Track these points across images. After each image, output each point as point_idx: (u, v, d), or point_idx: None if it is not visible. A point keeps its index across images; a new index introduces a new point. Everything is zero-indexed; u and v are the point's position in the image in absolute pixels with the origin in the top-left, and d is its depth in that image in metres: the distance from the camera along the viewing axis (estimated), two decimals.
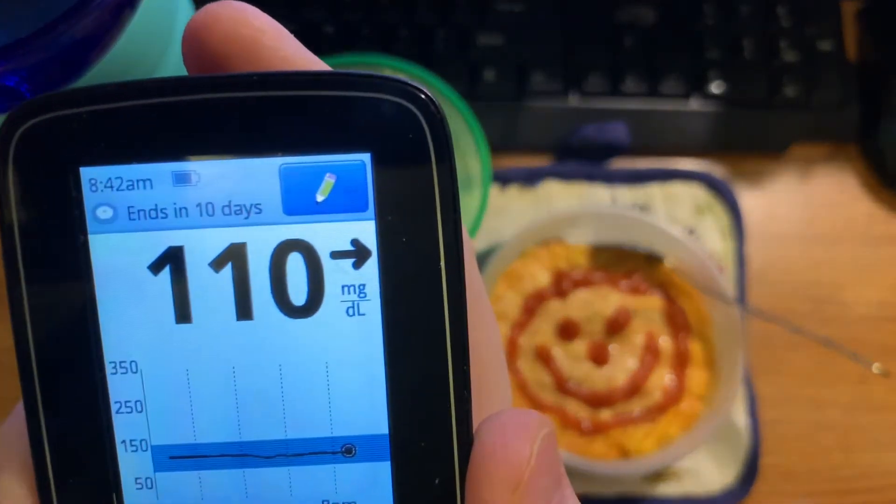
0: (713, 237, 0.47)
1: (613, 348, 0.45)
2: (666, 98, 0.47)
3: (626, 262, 0.45)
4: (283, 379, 0.18)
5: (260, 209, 0.18)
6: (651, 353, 0.45)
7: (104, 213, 0.18)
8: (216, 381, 0.18)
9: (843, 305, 0.46)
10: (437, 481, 0.18)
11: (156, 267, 0.18)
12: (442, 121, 0.18)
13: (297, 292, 0.18)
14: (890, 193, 0.47)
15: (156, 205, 0.18)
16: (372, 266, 0.18)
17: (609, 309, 0.45)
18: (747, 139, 0.48)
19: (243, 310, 0.18)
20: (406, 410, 0.18)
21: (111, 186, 0.18)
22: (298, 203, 0.18)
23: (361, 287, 0.18)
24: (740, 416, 0.45)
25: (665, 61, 0.48)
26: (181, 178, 0.18)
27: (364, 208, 0.18)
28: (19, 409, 0.18)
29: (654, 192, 0.47)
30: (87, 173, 0.18)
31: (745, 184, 0.48)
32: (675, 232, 0.44)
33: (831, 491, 0.43)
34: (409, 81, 0.18)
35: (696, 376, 0.45)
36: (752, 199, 0.47)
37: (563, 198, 0.47)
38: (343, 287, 0.18)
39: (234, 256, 0.18)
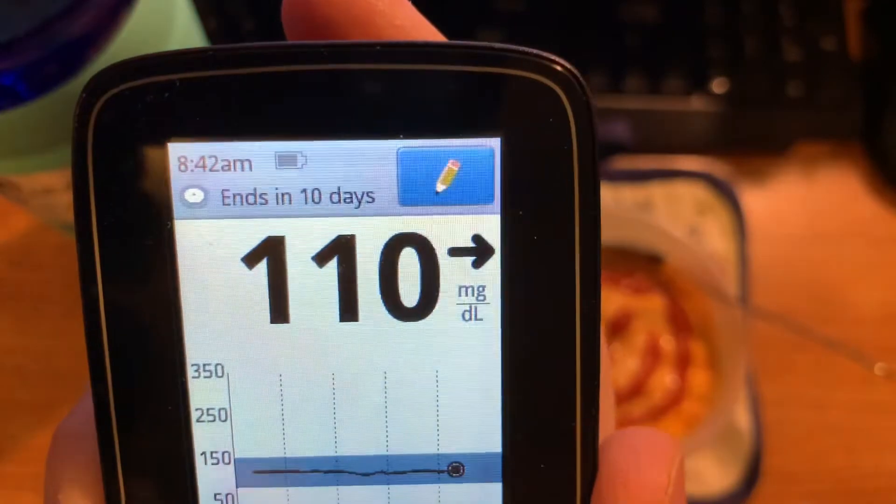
0: (715, 237, 0.47)
1: (614, 349, 0.44)
2: (668, 96, 0.47)
3: (627, 262, 0.45)
4: (388, 388, 0.16)
5: (372, 198, 0.16)
6: (652, 353, 0.44)
7: (194, 196, 0.16)
8: (312, 388, 0.16)
9: (846, 305, 0.46)
10: None
11: (251, 259, 0.16)
12: (588, 103, 0.15)
13: (409, 292, 0.16)
14: (894, 192, 0.47)
15: (255, 189, 0.16)
16: (494, 265, 0.16)
17: (610, 309, 0.44)
18: (750, 138, 0.48)
19: (348, 310, 0.16)
20: (523, 427, 0.16)
21: (203, 166, 0.15)
22: (416, 192, 0.16)
23: (481, 289, 0.16)
24: (743, 418, 0.44)
25: (667, 59, 0.47)
26: (285, 160, 0.15)
27: (489, 200, 0.16)
28: (80, 410, 0.16)
29: (656, 192, 0.47)
30: (175, 150, 0.15)
31: (747, 183, 0.47)
32: (677, 232, 0.44)
33: (835, 492, 0.43)
34: (550, 55, 0.15)
35: (698, 377, 0.44)
36: (754, 199, 0.47)
37: None
38: (460, 288, 0.16)
39: (341, 250, 0.16)
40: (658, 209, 0.47)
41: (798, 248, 0.47)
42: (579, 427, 0.16)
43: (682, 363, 0.44)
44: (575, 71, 0.15)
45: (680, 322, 0.45)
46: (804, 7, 0.48)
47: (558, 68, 0.15)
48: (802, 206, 0.47)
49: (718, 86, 0.47)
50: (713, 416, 0.43)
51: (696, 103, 0.47)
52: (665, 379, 0.44)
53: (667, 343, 0.45)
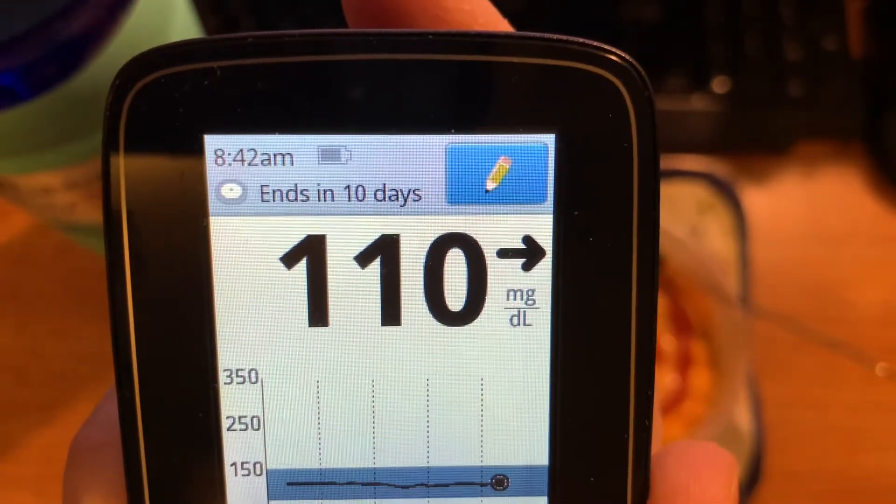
0: (716, 236, 0.46)
1: None
2: (668, 96, 0.47)
3: None
4: (431, 396, 0.15)
5: (419, 196, 0.15)
6: None
7: (231, 191, 0.15)
8: (351, 395, 0.15)
9: (847, 305, 0.45)
10: None
11: (290, 259, 0.15)
12: (649, 97, 0.14)
13: (455, 295, 0.15)
14: (895, 191, 0.47)
15: (295, 185, 0.15)
16: (545, 268, 0.15)
17: None
18: (750, 137, 0.48)
19: (390, 313, 0.15)
20: (572, 439, 0.15)
21: (242, 160, 0.15)
22: (465, 190, 0.15)
23: (530, 293, 0.15)
24: (744, 418, 0.44)
25: (667, 59, 0.47)
26: (328, 155, 0.15)
27: (541, 199, 0.15)
28: (97, 420, 0.16)
29: None
30: (212, 142, 0.15)
31: (748, 182, 0.47)
32: (678, 232, 0.44)
33: (836, 492, 0.43)
34: (609, 46, 0.15)
35: (699, 377, 0.44)
36: (755, 198, 0.47)
37: None
38: (508, 292, 0.15)
39: (385, 250, 0.15)
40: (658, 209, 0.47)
41: (799, 248, 0.46)
42: (632, 440, 0.15)
43: (683, 363, 0.44)
44: (635, 63, 0.15)
45: (681, 322, 0.44)
46: (805, 6, 0.48)
47: (617, 60, 0.15)
48: (803, 205, 0.47)
49: (719, 85, 0.47)
50: (714, 417, 0.42)
51: (697, 103, 0.47)
52: (666, 379, 0.44)
53: (667, 343, 0.44)
